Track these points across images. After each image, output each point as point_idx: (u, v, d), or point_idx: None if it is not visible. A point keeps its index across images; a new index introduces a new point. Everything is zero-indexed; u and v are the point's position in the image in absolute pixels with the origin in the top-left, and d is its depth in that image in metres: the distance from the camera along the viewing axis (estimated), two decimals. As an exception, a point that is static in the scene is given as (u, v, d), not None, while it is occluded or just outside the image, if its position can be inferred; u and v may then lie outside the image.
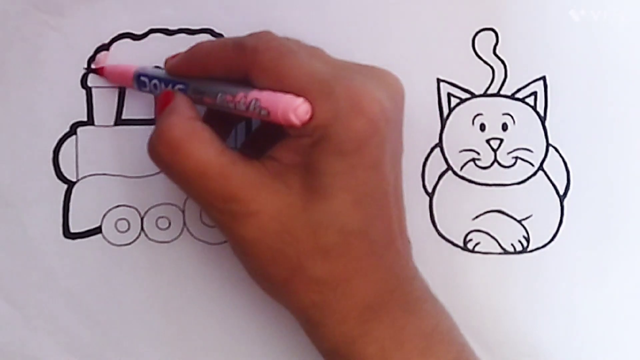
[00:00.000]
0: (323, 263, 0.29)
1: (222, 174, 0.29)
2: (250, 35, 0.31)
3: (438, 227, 0.38)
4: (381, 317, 0.30)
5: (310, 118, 0.29)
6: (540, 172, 0.38)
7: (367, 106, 0.29)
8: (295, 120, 0.29)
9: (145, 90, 0.35)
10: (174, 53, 0.35)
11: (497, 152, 0.38)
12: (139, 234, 0.37)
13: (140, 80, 0.35)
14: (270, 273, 0.30)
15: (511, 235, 0.38)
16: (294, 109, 0.28)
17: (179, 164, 0.30)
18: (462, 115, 0.38)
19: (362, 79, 0.30)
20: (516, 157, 0.38)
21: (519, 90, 0.38)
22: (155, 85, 0.34)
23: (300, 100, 0.29)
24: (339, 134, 0.28)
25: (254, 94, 0.30)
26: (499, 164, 0.38)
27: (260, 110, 0.29)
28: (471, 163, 0.38)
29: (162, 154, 0.30)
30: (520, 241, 0.38)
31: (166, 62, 0.34)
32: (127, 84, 0.36)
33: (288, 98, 0.29)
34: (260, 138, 0.36)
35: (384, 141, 0.30)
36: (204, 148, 0.30)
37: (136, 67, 0.36)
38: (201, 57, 0.32)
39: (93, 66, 0.37)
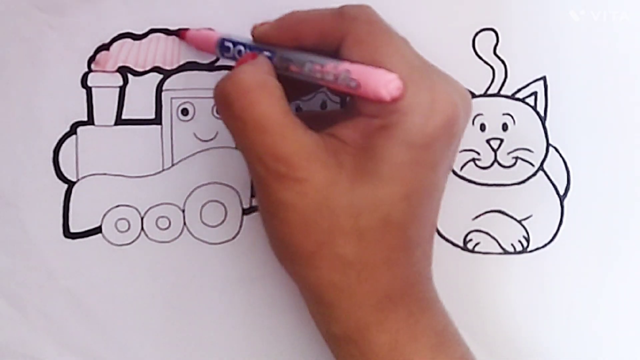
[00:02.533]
0: (355, 244, 0.29)
1: (281, 133, 0.29)
2: (351, 5, 0.31)
3: (438, 227, 0.38)
4: (398, 309, 0.30)
5: (401, 95, 0.28)
6: (540, 172, 0.38)
7: (447, 108, 0.29)
8: (385, 94, 0.28)
9: (228, 56, 0.35)
10: (173, 53, 0.35)
11: (497, 152, 0.38)
12: (139, 234, 0.37)
13: (224, 45, 0.35)
14: (298, 243, 0.30)
15: (511, 235, 0.38)
16: (386, 83, 0.28)
17: (243, 109, 0.29)
18: (462, 115, 0.38)
19: (445, 82, 0.30)
20: (516, 157, 0.38)
21: (519, 90, 0.38)
22: (239, 51, 0.34)
23: (393, 75, 0.28)
24: (414, 125, 0.28)
25: (345, 65, 0.29)
26: (499, 164, 0.38)
27: (349, 82, 0.29)
28: (471, 163, 0.38)
29: (230, 95, 0.29)
30: (520, 241, 0.38)
31: (254, 29, 0.34)
32: (209, 50, 0.36)
33: (381, 72, 0.28)
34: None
35: (449, 146, 0.30)
36: (272, 102, 0.29)
37: (220, 33, 0.35)
38: (294, 23, 0.32)
39: (176, 29, 0.37)
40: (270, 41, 0.33)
